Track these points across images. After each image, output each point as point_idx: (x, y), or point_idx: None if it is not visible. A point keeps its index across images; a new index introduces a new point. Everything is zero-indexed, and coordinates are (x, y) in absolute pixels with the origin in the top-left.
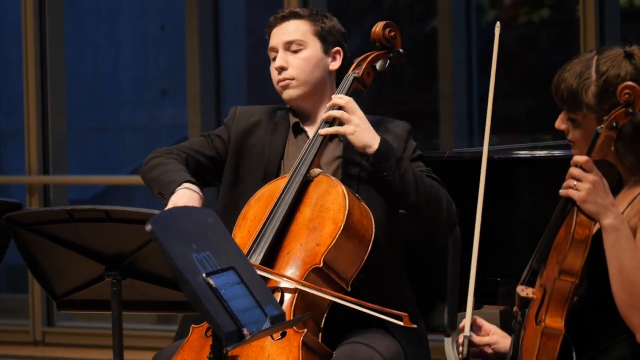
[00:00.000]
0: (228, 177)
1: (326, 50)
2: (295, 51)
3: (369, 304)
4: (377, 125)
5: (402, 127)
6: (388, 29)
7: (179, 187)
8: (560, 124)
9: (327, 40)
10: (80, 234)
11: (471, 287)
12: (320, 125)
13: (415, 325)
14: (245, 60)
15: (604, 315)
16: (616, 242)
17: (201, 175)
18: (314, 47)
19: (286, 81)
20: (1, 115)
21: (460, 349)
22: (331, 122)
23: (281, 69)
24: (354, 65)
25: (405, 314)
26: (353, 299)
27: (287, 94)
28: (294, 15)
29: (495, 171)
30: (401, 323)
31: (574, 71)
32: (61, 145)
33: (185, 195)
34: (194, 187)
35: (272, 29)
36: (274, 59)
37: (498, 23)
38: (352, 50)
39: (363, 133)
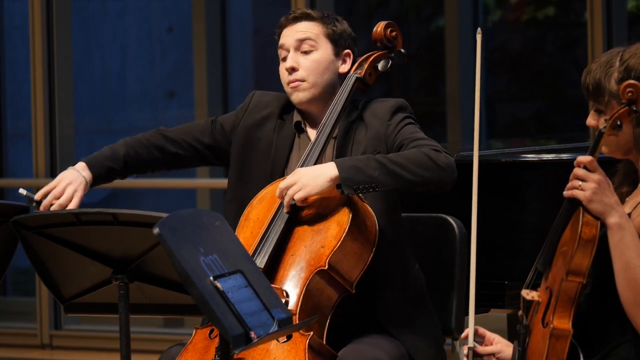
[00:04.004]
0: (235, 170)
1: (337, 53)
2: (307, 52)
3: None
4: (366, 108)
5: (386, 107)
6: (389, 29)
7: (71, 166)
8: (590, 120)
9: (338, 42)
10: (88, 237)
11: (472, 298)
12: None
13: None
14: (253, 62)
15: (609, 314)
16: (621, 240)
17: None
18: (325, 49)
19: (297, 82)
20: (8, 118)
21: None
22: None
23: (292, 70)
24: (355, 66)
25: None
26: None
27: (297, 97)
28: (306, 17)
29: (503, 174)
30: None
31: (601, 61)
32: (68, 147)
33: (66, 175)
34: (82, 168)
35: (282, 29)
36: (284, 59)
37: (479, 29)
38: (360, 51)
39: (313, 182)
